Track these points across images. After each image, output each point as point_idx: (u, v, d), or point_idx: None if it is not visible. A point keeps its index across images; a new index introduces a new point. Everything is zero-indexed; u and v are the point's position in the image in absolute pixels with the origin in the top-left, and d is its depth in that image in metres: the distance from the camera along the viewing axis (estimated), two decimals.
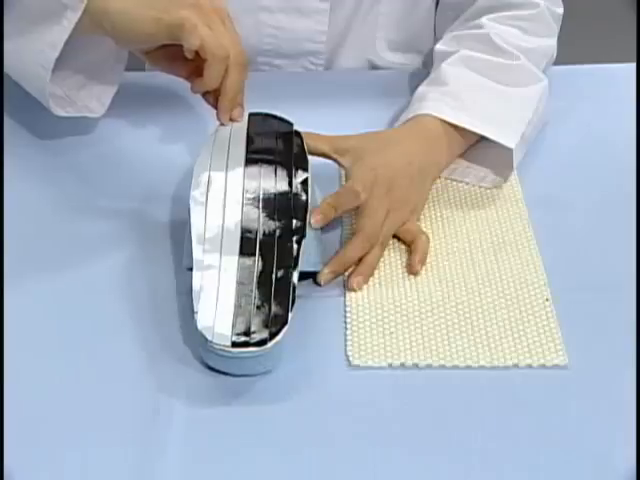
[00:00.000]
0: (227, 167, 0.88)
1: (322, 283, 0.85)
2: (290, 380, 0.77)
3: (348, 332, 0.81)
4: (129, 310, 0.82)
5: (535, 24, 1.07)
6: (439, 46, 1.08)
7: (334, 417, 0.75)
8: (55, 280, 0.85)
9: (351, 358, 0.79)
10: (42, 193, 0.95)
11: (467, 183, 0.98)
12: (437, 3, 1.15)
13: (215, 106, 0.91)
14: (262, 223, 0.84)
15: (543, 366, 0.79)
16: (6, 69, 0.97)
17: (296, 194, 0.87)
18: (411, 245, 0.89)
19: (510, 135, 0.97)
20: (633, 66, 1.15)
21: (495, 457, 0.72)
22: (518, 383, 0.78)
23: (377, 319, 0.82)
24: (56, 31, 0.90)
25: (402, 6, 1.15)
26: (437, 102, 0.98)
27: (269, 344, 0.76)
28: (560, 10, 1.10)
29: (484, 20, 1.06)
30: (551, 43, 1.09)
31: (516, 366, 0.78)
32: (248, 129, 0.93)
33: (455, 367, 0.78)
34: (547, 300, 0.84)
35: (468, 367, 0.78)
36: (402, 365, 0.78)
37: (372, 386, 0.77)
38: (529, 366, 0.79)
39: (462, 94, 0.99)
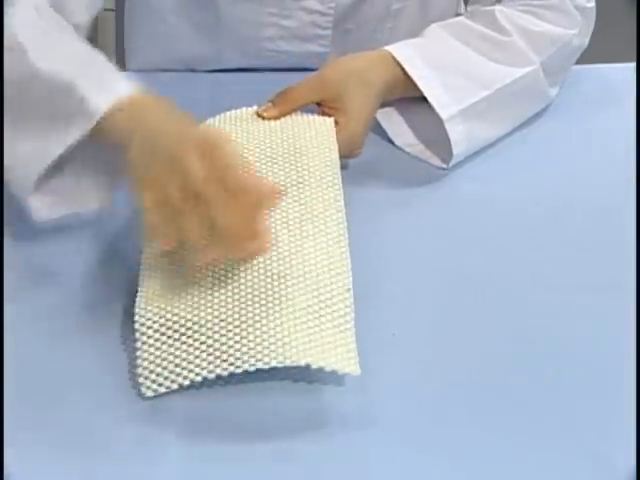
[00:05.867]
0: None
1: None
2: (290, 380, 0.77)
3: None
4: (129, 310, 0.82)
5: (550, 12, 1.07)
6: None
7: (334, 417, 0.75)
8: (57, 276, 0.85)
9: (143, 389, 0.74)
10: None
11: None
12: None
13: None
14: None
15: (335, 372, 0.73)
16: None
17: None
18: None
19: (446, 102, 0.98)
20: (633, 66, 1.15)
21: (495, 457, 0.72)
22: (518, 383, 0.78)
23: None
24: (56, 144, 0.82)
25: (411, 23, 1.15)
26: (399, 45, 1.01)
27: None
28: (587, 4, 1.09)
29: (498, 5, 1.08)
30: (565, 32, 1.07)
31: (308, 365, 0.72)
32: None
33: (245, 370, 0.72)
34: (349, 291, 0.78)
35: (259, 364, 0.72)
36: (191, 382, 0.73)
37: (373, 387, 0.77)
38: (322, 368, 0.73)
39: (425, 45, 1.01)
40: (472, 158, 1.02)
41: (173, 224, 0.75)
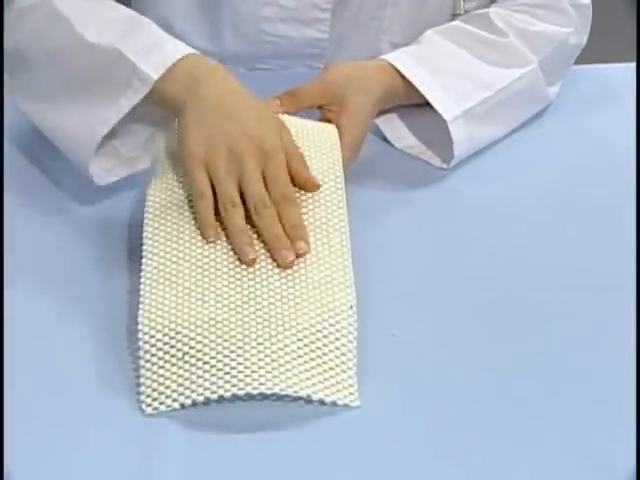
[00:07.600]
0: None
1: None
2: None
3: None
4: (130, 309, 0.82)
5: (545, 11, 1.08)
6: None
7: (333, 418, 0.74)
8: (57, 276, 0.85)
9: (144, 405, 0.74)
10: (43, 189, 0.96)
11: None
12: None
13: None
14: None
15: (334, 404, 0.74)
16: (43, 130, 0.94)
17: None
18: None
19: (448, 104, 0.98)
20: (633, 66, 1.15)
21: (495, 456, 0.72)
22: (518, 383, 0.77)
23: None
24: (112, 110, 0.87)
25: (408, 10, 1.14)
26: (396, 54, 1.02)
27: None
28: (583, 1, 1.10)
29: (493, 6, 1.08)
30: (561, 30, 1.08)
31: (309, 397, 0.73)
32: None
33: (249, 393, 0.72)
34: (352, 308, 0.78)
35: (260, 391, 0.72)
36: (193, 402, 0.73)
37: (372, 387, 0.77)
38: (321, 401, 0.74)
39: (422, 51, 1.02)
40: (472, 158, 1.02)
41: (221, 216, 0.81)
